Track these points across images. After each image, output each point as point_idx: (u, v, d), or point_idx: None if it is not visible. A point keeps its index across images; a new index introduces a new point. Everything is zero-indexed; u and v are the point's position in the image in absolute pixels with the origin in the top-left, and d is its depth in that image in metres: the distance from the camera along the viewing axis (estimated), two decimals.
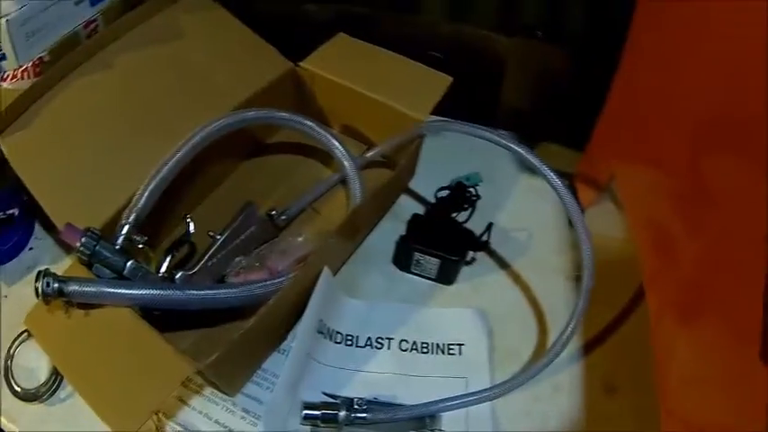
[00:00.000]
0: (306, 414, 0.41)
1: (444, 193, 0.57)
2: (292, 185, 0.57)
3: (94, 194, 0.45)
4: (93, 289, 0.38)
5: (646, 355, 0.38)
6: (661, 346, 0.38)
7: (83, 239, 0.40)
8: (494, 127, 0.46)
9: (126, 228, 0.43)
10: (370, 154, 0.53)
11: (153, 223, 0.46)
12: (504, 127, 0.49)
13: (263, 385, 0.46)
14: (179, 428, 0.44)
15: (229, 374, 0.43)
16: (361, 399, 0.42)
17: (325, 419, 0.41)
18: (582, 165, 0.55)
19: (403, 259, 0.51)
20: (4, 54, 0.47)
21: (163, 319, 0.42)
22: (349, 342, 0.48)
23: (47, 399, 0.45)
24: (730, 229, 0.32)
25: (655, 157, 0.43)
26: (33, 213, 0.55)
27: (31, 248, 0.55)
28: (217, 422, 0.44)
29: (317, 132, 0.50)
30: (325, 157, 0.57)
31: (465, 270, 0.52)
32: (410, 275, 0.52)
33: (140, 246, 0.44)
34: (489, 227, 0.53)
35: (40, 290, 0.37)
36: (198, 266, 0.47)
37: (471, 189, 0.57)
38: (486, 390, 0.43)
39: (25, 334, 0.47)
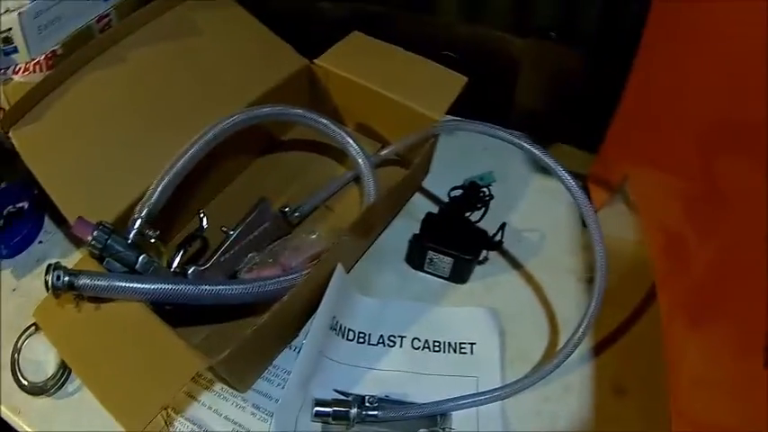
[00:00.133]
0: (317, 411, 0.41)
1: (458, 192, 0.57)
2: (306, 182, 0.57)
3: (106, 189, 0.45)
4: (104, 282, 0.38)
5: (656, 357, 0.38)
6: (672, 347, 0.38)
7: (95, 233, 0.40)
8: (507, 127, 0.47)
9: (138, 222, 0.43)
10: (384, 152, 0.54)
11: (165, 218, 0.46)
12: (517, 128, 0.48)
13: (273, 382, 0.46)
14: (188, 424, 0.43)
15: (241, 371, 0.43)
16: (372, 396, 0.43)
17: (337, 416, 0.41)
18: (595, 166, 0.55)
19: (416, 258, 0.51)
20: (15, 47, 0.47)
21: (174, 314, 0.41)
22: (361, 339, 0.48)
23: (54, 393, 0.45)
24: (742, 233, 0.32)
25: (668, 159, 0.43)
26: (43, 207, 0.55)
27: (40, 242, 0.55)
28: (227, 418, 0.44)
29: (332, 130, 0.50)
30: (339, 155, 0.57)
31: (477, 269, 0.52)
32: (423, 274, 0.52)
33: (152, 240, 0.44)
34: (502, 227, 0.52)
35: (50, 283, 0.37)
36: (210, 262, 0.47)
37: (485, 189, 0.57)
38: (496, 389, 0.43)
39: (33, 327, 0.47)
